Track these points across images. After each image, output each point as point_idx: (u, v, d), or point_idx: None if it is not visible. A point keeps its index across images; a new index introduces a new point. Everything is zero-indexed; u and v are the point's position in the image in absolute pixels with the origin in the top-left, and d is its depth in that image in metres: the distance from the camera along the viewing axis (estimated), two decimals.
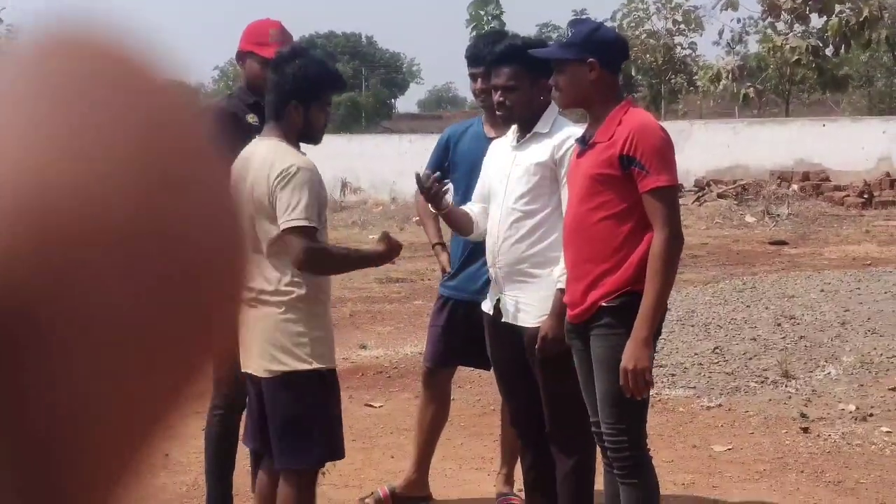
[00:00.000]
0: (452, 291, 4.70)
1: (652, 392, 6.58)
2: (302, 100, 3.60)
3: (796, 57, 26.99)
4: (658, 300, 3.50)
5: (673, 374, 7.22)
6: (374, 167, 24.65)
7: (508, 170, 4.05)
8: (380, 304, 10.59)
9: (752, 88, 28.19)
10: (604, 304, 3.58)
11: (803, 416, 6.12)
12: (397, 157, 23.66)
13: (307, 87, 3.61)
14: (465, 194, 4.49)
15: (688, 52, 31.82)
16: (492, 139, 4.44)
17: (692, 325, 8.75)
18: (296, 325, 3.52)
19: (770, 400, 6.55)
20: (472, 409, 6.40)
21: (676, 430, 6.02)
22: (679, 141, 20.27)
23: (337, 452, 3.70)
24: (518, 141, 4.07)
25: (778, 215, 18.64)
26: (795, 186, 20.44)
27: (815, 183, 20.55)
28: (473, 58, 4.61)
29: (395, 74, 74.16)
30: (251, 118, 4.23)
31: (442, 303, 4.79)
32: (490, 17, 35.86)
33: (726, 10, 28.84)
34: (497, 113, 4.10)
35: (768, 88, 29.04)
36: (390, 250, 3.74)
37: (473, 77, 4.61)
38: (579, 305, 3.65)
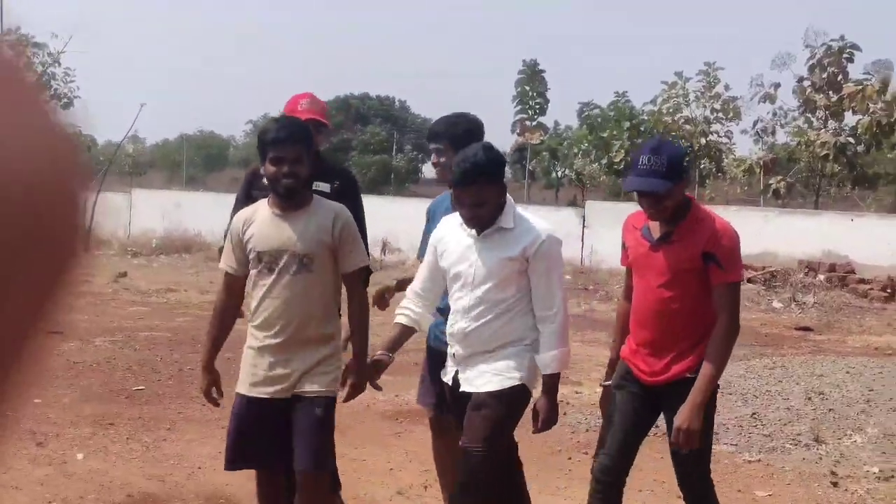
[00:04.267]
0: (433, 341, 4.95)
1: None
2: (260, 155, 4.42)
3: (825, 152, 28.03)
4: (716, 374, 4.17)
5: (716, 433, 8.11)
6: (411, 229, 25.59)
7: (473, 259, 4.31)
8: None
9: (782, 182, 29.19)
10: (688, 375, 4.17)
11: (833, 473, 7.03)
12: None
13: (259, 144, 4.43)
14: None
15: (724, 140, 32.86)
16: None
17: (730, 394, 9.65)
18: None
19: (803, 459, 7.46)
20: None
21: (722, 478, 6.91)
22: None
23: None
24: (479, 234, 4.32)
25: (804, 303, 19.51)
26: (822, 276, 21.36)
27: (841, 274, 21.46)
28: (432, 135, 5.03)
29: (425, 140, 74.87)
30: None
31: (427, 351, 5.12)
32: (535, 94, 37.18)
33: (764, 101, 29.95)
34: (469, 222, 4.30)
35: (799, 181, 30.07)
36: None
37: (436, 151, 4.96)
38: (662, 374, 4.24)
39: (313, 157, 4.48)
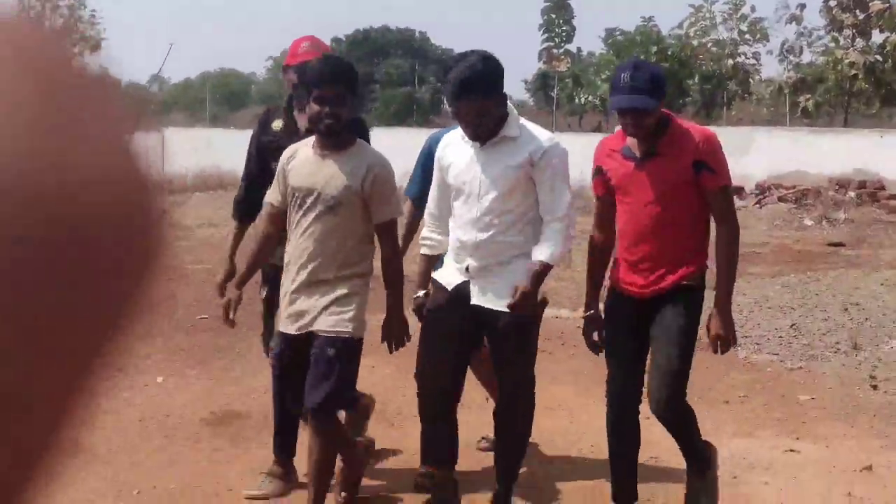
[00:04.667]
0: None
1: (741, 356, 7.93)
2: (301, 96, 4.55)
3: (854, 72, 27.99)
4: (733, 280, 4.32)
5: (758, 344, 8.49)
6: None
7: (477, 170, 4.31)
8: None
9: (810, 101, 29.19)
10: (685, 282, 4.26)
11: (872, 377, 7.37)
12: None
13: (299, 83, 4.58)
14: None
15: (752, 61, 32.79)
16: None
17: (769, 308, 9.99)
18: None
19: (843, 365, 7.80)
20: None
21: (765, 385, 7.29)
22: (742, 146, 21.50)
23: None
24: (484, 144, 4.31)
25: (835, 220, 19.72)
26: (852, 193, 21.53)
27: (871, 191, 21.62)
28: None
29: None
30: (275, 124, 5.02)
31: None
32: (562, 22, 37.09)
33: (791, 23, 29.86)
34: (469, 135, 4.29)
35: (827, 101, 30.02)
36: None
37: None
38: (658, 283, 4.27)
39: (357, 100, 4.52)
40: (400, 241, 4.77)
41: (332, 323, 4.22)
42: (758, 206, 21.23)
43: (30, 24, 0.40)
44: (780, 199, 21.56)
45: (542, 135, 4.35)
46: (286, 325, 4.34)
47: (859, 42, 28.86)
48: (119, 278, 0.41)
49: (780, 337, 8.72)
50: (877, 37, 29.02)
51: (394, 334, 4.45)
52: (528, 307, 4.28)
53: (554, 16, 37.69)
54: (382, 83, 62.08)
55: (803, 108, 29.01)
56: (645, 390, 4.44)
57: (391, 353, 4.54)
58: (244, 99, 66.81)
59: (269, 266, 4.81)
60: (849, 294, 10.86)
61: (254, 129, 5.19)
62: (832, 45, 29.52)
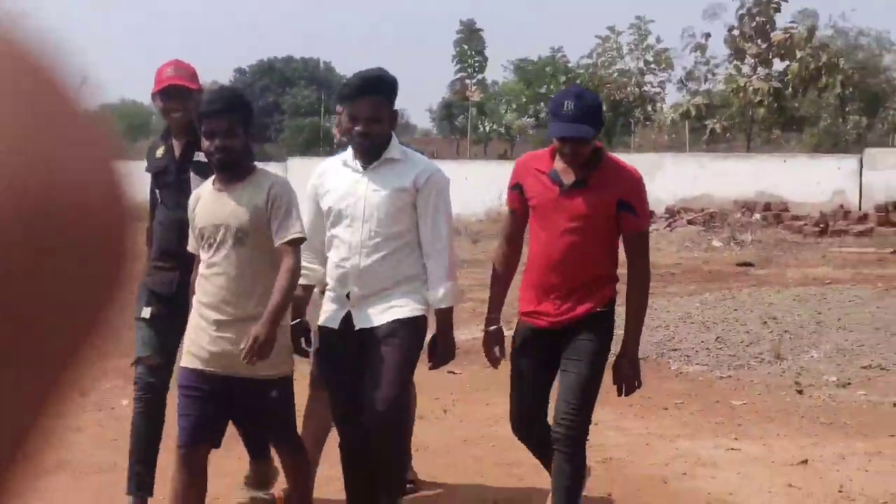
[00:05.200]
0: None
1: (673, 367, 8.39)
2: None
3: (759, 98, 29.19)
4: (642, 322, 4.34)
5: (687, 356, 8.97)
6: None
7: (362, 191, 4.21)
8: None
9: (718, 124, 30.30)
10: (598, 309, 4.22)
11: (797, 383, 7.89)
12: None
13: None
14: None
15: (657, 89, 33.89)
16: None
17: (692, 323, 10.50)
18: None
19: (768, 373, 8.31)
20: None
21: (700, 393, 7.75)
22: (651, 171, 22.29)
23: None
24: (366, 167, 4.23)
25: (742, 241, 20.53)
26: (758, 215, 22.44)
27: (775, 213, 22.57)
28: (341, 97, 5.01)
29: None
30: (159, 151, 4.94)
31: None
32: (474, 52, 37.76)
33: (696, 51, 31.00)
34: (358, 143, 4.20)
35: (731, 126, 31.17)
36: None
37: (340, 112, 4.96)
38: (568, 313, 4.21)
39: (185, 123, 4.54)
40: None
41: (269, 366, 4.03)
42: (668, 228, 21.98)
43: (24, 43, 0.41)
44: (689, 222, 22.36)
45: (424, 160, 4.36)
46: (197, 362, 4.14)
47: (761, 70, 30.09)
48: (92, 292, 0.41)
49: (707, 349, 9.21)
50: (777, 65, 30.33)
51: (263, 342, 4.02)
52: (449, 359, 4.39)
53: (466, 46, 38.37)
54: (289, 113, 62.17)
55: (711, 130, 30.08)
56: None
57: (246, 362, 4.19)
58: (145, 130, 66.14)
59: (151, 290, 4.77)
60: (765, 309, 11.44)
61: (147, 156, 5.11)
62: (735, 73, 30.71)
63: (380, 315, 4.19)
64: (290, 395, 4.26)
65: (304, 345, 4.42)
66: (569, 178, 4.15)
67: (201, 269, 4.17)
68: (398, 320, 4.17)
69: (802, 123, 32.29)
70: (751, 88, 29.03)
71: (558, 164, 4.18)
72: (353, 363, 4.25)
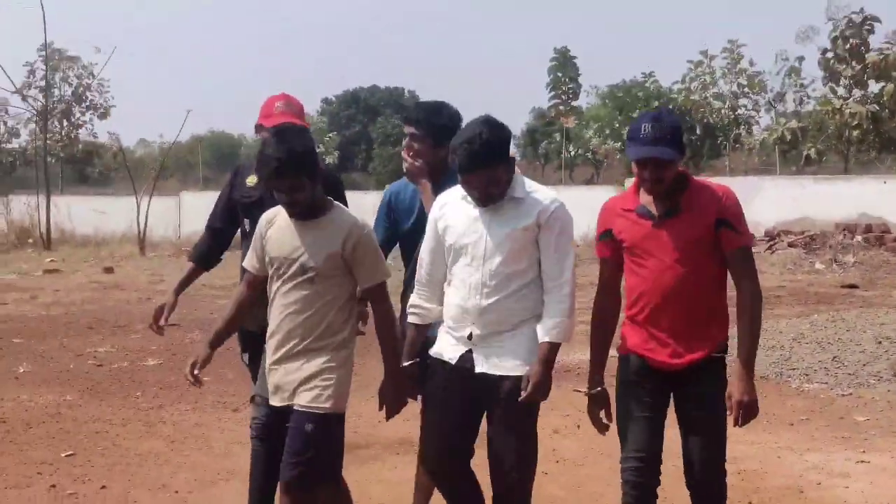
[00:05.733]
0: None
1: (794, 385, 8.65)
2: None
3: (856, 122, 29.11)
4: (757, 342, 4.02)
5: (806, 374, 9.23)
6: None
7: (482, 231, 4.08)
8: None
9: (812, 149, 30.27)
10: (715, 354, 3.99)
11: None
12: None
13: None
14: (412, 243, 4.68)
15: (752, 112, 33.97)
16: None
17: (807, 343, 10.72)
18: None
19: (888, 391, 8.54)
20: None
21: (823, 409, 8.01)
22: (750, 193, 22.42)
23: None
24: (486, 204, 4.08)
25: (845, 263, 20.51)
26: (859, 237, 22.37)
27: (877, 234, 22.48)
28: (410, 119, 4.78)
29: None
30: (249, 180, 4.79)
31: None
32: (568, 80, 38.26)
33: (790, 75, 31.03)
34: (480, 202, 4.09)
35: (828, 148, 31.10)
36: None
37: (411, 137, 4.74)
38: (684, 356, 3.95)
39: (320, 174, 4.25)
40: None
41: (310, 398, 4.06)
42: (769, 251, 22.04)
43: None
44: (790, 245, 22.38)
45: (548, 196, 4.14)
46: (271, 398, 4.21)
47: (857, 92, 30.01)
48: None
49: (826, 368, 9.45)
50: (872, 86, 30.18)
51: (392, 399, 4.28)
52: (541, 394, 4.06)
53: (560, 74, 38.84)
54: (378, 142, 63.11)
55: (806, 156, 30.05)
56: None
57: (388, 419, 4.35)
58: (234, 161, 67.45)
59: (245, 331, 4.77)
60: (878, 330, 11.59)
61: (224, 185, 5.06)
62: (831, 95, 30.66)
63: (505, 364, 4.06)
64: (328, 433, 4.10)
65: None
66: (661, 209, 3.99)
67: (269, 296, 4.21)
68: (521, 377, 4.02)
69: None
70: (847, 111, 28.98)
71: (644, 199, 4.04)
72: (464, 403, 4.15)
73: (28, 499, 5.80)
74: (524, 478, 4.14)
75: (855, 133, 29.45)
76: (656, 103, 32.80)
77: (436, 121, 4.66)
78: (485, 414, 4.20)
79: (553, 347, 4.05)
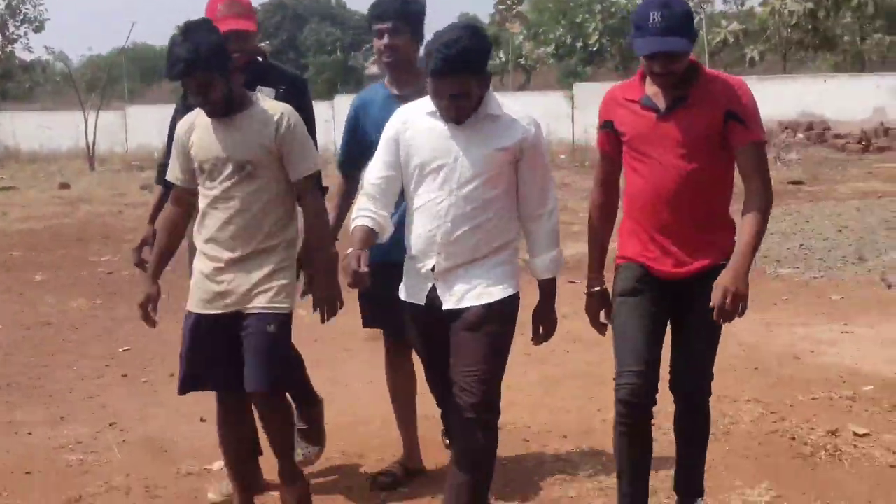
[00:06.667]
0: (384, 256, 4.07)
1: (768, 271, 9.40)
2: None
3: (794, 21, 29.88)
4: (759, 241, 3.59)
5: (778, 261, 10.01)
6: None
7: (456, 151, 3.64)
8: None
9: (755, 51, 31.02)
10: (722, 262, 3.57)
11: (883, 279, 8.91)
12: None
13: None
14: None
15: (697, 12, 34.55)
16: (399, 96, 4.23)
17: (772, 234, 11.47)
18: None
19: (856, 272, 9.37)
20: None
21: (800, 290, 8.78)
22: None
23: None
24: (460, 121, 3.64)
25: (789, 160, 21.40)
26: (801, 135, 23.29)
27: (818, 132, 23.41)
28: (380, 13, 4.34)
29: (365, 35, 74.87)
30: None
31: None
32: None
33: None
34: (447, 115, 3.62)
35: (769, 49, 31.87)
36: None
37: (379, 33, 4.34)
38: (689, 264, 3.63)
39: (243, 63, 4.13)
40: (331, 220, 4.31)
41: (268, 299, 3.85)
42: None
43: None
44: None
45: (526, 116, 3.74)
46: (203, 306, 3.93)
47: None
48: None
49: (795, 255, 10.25)
50: None
51: (327, 299, 4.01)
52: (551, 333, 3.84)
53: None
54: (314, 50, 62.62)
55: (750, 59, 30.82)
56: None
57: (323, 321, 4.04)
58: (158, 74, 66.37)
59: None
60: (834, 219, 12.47)
61: (178, 97, 4.60)
62: None
63: (469, 295, 3.67)
64: (285, 333, 3.93)
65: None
66: (667, 100, 3.62)
67: (201, 203, 3.96)
68: (488, 305, 3.65)
69: (837, 44, 32.94)
70: (786, 11, 29.72)
71: (650, 90, 3.66)
72: (444, 340, 3.74)
73: (106, 385, 6.36)
74: (490, 414, 3.66)
75: (794, 33, 30.24)
76: (598, 6, 33.25)
77: (411, 9, 4.33)
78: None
79: (552, 283, 3.80)
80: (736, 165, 3.60)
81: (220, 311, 3.88)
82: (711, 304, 3.49)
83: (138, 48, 67.07)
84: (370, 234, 3.70)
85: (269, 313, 3.84)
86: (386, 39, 4.29)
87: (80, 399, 6.07)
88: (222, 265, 3.87)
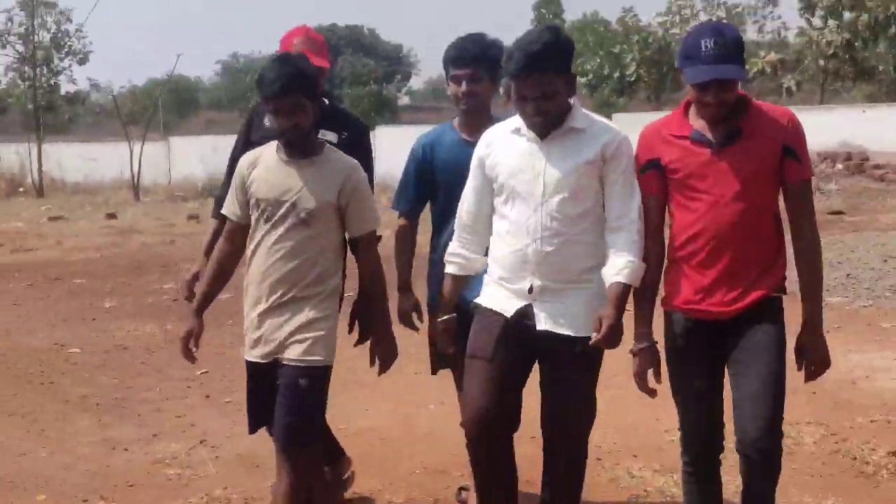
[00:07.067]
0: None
1: None
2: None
3: (832, 51, 30.08)
4: (821, 288, 3.63)
5: (827, 290, 10.08)
6: None
7: (541, 167, 3.60)
8: None
9: (792, 81, 31.24)
10: (772, 294, 3.52)
11: None
12: None
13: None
14: (448, 204, 4.14)
15: None
16: (470, 142, 4.05)
17: None
18: None
19: None
20: None
21: (850, 319, 8.98)
22: None
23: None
24: (544, 137, 3.61)
25: (828, 190, 21.54)
26: (840, 165, 23.43)
27: (856, 162, 23.54)
28: (460, 59, 4.20)
29: (397, 66, 75.56)
30: (267, 120, 4.12)
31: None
32: (552, 16, 38.83)
33: (768, 6, 31.92)
34: (534, 120, 3.57)
35: (806, 79, 32.06)
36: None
37: (457, 79, 4.22)
38: (739, 301, 3.50)
39: (319, 102, 3.93)
40: (396, 264, 4.38)
41: (302, 351, 3.76)
42: None
43: None
44: None
45: (611, 127, 3.67)
46: (248, 352, 3.91)
47: (832, 22, 30.93)
48: None
49: (843, 285, 10.46)
50: (847, 16, 31.11)
51: (384, 355, 4.02)
52: (615, 340, 3.54)
53: (544, 10, 39.42)
54: (351, 82, 63.25)
55: (787, 88, 31.00)
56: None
57: (380, 374, 4.07)
58: (194, 105, 67.09)
59: None
60: (879, 249, 12.67)
61: (241, 128, 4.70)
62: (806, 26, 31.55)
63: (571, 322, 3.60)
64: (321, 387, 3.85)
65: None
66: (720, 135, 3.48)
67: (249, 242, 3.90)
68: (586, 338, 3.54)
69: (873, 74, 33.08)
70: (823, 41, 29.94)
71: (697, 123, 3.54)
72: (519, 361, 3.71)
73: (192, 406, 6.67)
74: (583, 432, 3.78)
75: (831, 63, 30.44)
76: (636, 37, 33.58)
77: (492, 54, 4.18)
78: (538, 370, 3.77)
79: (626, 289, 3.56)
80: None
81: (257, 360, 3.85)
82: (806, 377, 3.65)
83: (173, 80, 68.10)
84: (458, 282, 3.88)
85: (302, 366, 3.77)
86: (464, 87, 4.18)
87: (168, 418, 6.39)
88: (262, 309, 3.82)
